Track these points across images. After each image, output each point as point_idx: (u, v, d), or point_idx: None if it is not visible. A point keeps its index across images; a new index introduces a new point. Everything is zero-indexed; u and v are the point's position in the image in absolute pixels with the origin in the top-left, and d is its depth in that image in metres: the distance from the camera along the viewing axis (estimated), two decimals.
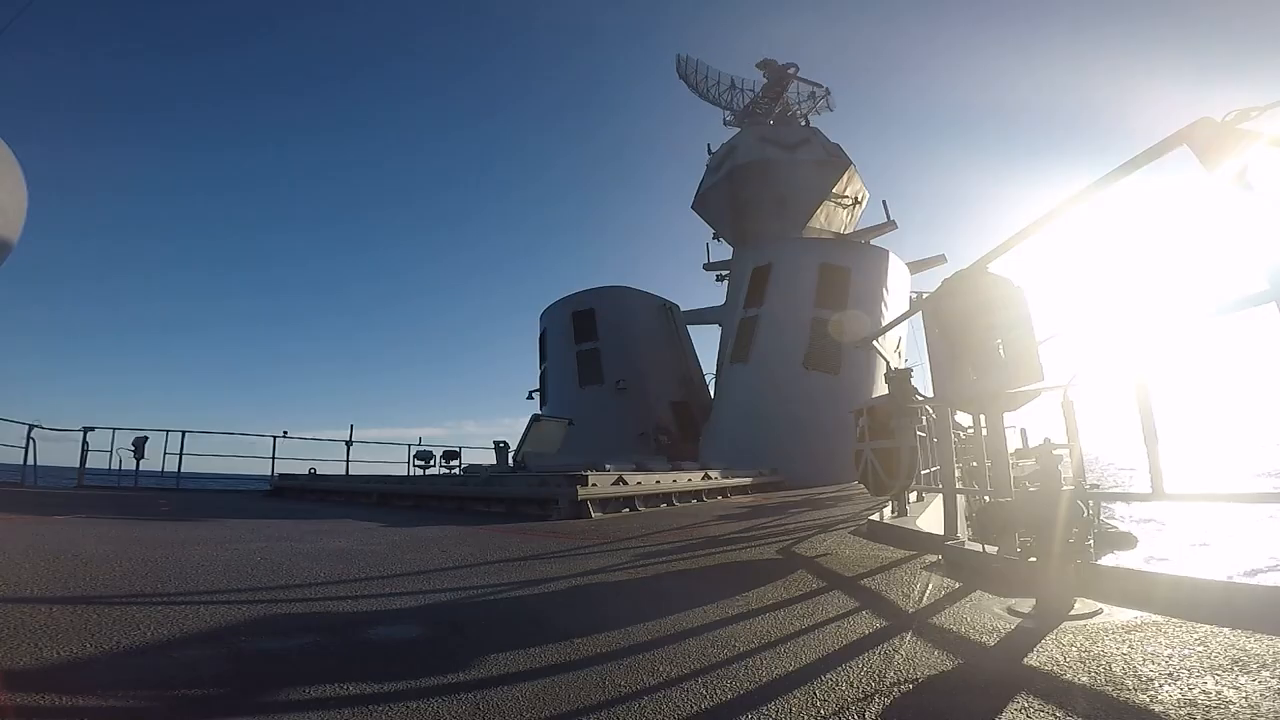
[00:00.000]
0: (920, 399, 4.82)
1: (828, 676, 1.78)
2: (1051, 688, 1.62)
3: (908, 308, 15.82)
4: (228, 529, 6.41)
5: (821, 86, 24.83)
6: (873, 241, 21.66)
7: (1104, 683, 1.63)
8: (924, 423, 5.24)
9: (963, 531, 4.03)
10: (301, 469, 13.62)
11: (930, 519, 5.33)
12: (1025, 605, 2.38)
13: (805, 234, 20.35)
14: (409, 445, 17.53)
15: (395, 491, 10.28)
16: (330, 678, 1.87)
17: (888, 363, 5.03)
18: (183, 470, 13.51)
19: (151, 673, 1.92)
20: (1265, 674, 1.60)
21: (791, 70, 23.61)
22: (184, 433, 13.41)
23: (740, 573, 3.69)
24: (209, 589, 3.18)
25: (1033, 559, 2.40)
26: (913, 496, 5.52)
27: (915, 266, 20.90)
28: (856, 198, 23.04)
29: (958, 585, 2.91)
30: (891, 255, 18.25)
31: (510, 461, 11.06)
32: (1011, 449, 3.70)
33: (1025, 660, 1.85)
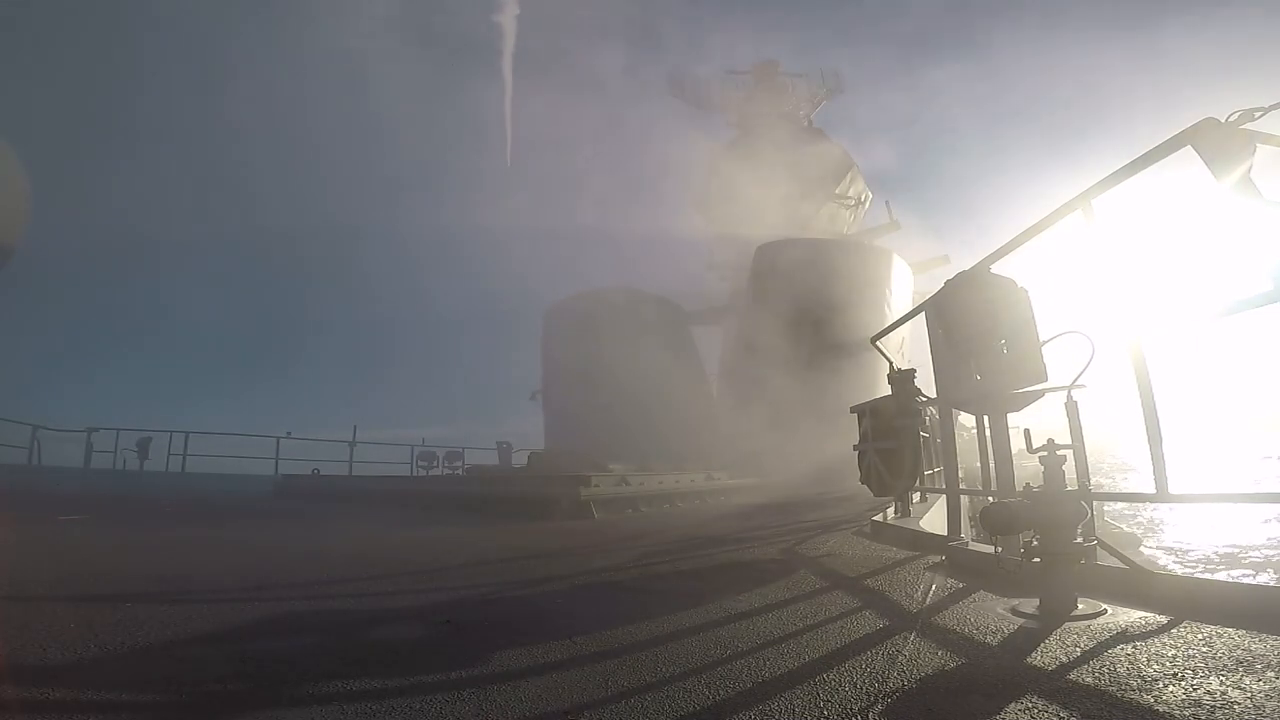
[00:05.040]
0: (923, 399, 4.80)
1: (830, 676, 1.78)
2: (1055, 688, 1.62)
3: (911, 308, 15.78)
4: (230, 530, 6.44)
5: (824, 80, 24.75)
6: (876, 242, 21.64)
7: (1108, 683, 1.62)
8: (927, 423, 5.23)
9: (966, 532, 4.02)
10: (305, 470, 13.67)
11: (933, 519, 5.32)
12: (1029, 605, 2.38)
13: (809, 235, 20.35)
14: (412, 446, 17.61)
15: (398, 492, 10.31)
16: (333, 677, 1.87)
17: (891, 363, 5.01)
18: (186, 471, 13.58)
19: (155, 672, 1.93)
20: (1270, 674, 1.59)
21: (777, 67, 23.63)
22: (187, 434, 13.47)
23: (743, 572, 3.69)
24: (212, 589, 3.20)
25: (1036, 559, 2.40)
26: (916, 497, 5.50)
27: (918, 267, 20.88)
28: (860, 199, 23.01)
29: (961, 585, 2.91)
30: (895, 256, 18.22)
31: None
32: (1015, 449, 3.69)
33: (1029, 660, 1.85)
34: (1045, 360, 3.22)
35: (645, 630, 2.35)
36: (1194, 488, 2.70)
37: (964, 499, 4.15)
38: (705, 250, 24.69)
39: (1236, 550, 14.76)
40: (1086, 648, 1.90)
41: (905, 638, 2.13)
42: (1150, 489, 2.52)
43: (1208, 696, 1.48)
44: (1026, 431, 2.96)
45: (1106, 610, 2.26)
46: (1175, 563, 14.22)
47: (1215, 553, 14.74)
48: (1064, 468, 2.52)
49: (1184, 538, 16.53)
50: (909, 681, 1.72)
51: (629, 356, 19.04)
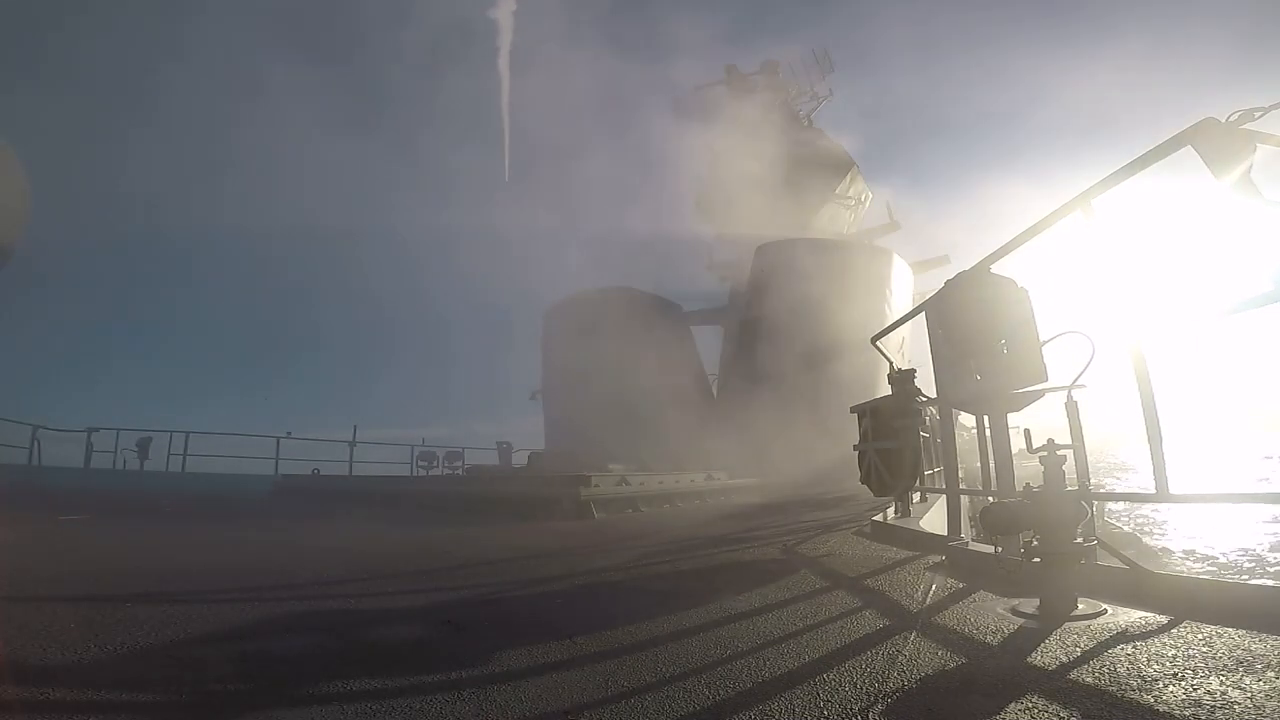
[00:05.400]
0: (923, 399, 4.80)
1: (831, 676, 1.78)
2: (1055, 688, 1.62)
3: (911, 308, 15.80)
4: (230, 530, 6.44)
5: (816, 61, 24.69)
6: (876, 242, 21.66)
7: (1108, 683, 1.62)
8: (927, 423, 5.23)
9: (966, 532, 4.02)
10: (305, 470, 13.67)
11: (934, 519, 5.32)
12: (1029, 605, 2.38)
13: (809, 235, 20.36)
14: (412, 446, 17.61)
15: (398, 492, 10.31)
16: (333, 677, 1.87)
17: (891, 363, 5.01)
18: (186, 471, 13.58)
19: (155, 673, 1.93)
20: (1270, 674, 1.59)
21: (776, 66, 23.68)
22: (188, 433, 13.48)
23: (743, 572, 3.69)
24: (212, 589, 3.20)
25: (1036, 559, 2.40)
26: (916, 497, 5.50)
27: (919, 267, 20.90)
28: (860, 198, 23.03)
29: (961, 585, 2.91)
30: (895, 256, 18.24)
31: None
32: (1015, 450, 3.69)
33: (1029, 660, 1.85)
34: (1045, 360, 3.22)
35: (645, 630, 2.35)
36: (1194, 488, 2.69)
37: (964, 499, 4.15)
38: (705, 250, 24.70)
39: (1243, 553, 14.67)
40: (1087, 648, 1.90)
41: (905, 638, 2.13)
42: (1150, 489, 2.51)
43: (1208, 696, 1.48)
44: (1026, 431, 2.95)
45: (1106, 610, 2.26)
46: (1190, 561, 14.13)
47: (1224, 556, 14.65)
48: (1064, 468, 2.52)
49: (1187, 538, 16.50)
50: (909, 681, 1.72)
51: (629, 356, 19.03)
